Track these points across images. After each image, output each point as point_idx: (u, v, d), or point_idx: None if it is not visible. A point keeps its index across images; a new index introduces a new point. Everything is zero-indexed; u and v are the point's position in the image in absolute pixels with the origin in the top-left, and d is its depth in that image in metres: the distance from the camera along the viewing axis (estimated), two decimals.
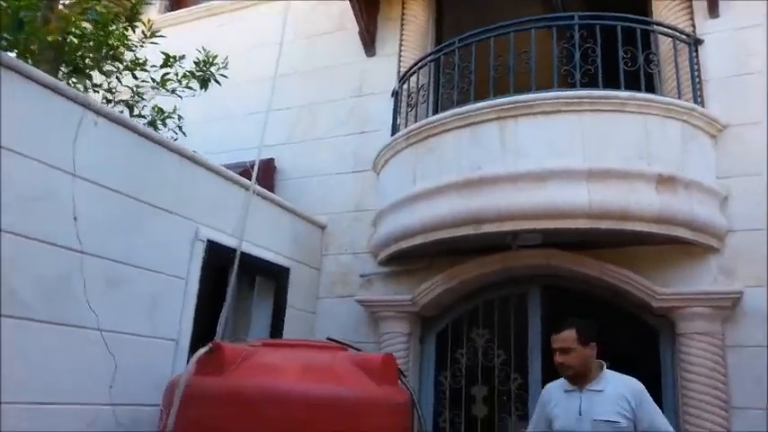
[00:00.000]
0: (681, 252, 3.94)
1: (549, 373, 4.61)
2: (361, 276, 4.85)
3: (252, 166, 4.32)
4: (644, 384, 4.32)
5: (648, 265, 3.99)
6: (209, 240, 3.74)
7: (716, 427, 3.56)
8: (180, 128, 4.77)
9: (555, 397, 2.99)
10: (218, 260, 3.82)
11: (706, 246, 3.85)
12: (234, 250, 3.87)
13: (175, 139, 4.49)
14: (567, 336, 2.92)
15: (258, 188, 4.31)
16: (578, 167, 3.78)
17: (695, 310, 3.73)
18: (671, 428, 2.79)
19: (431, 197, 4.20)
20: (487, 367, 4.56)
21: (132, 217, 3.30)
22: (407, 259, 4.64)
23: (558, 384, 3.03)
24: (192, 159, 3.77)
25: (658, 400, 4.07)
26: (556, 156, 3.87)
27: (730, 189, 3.95)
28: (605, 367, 2.94)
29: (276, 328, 4.39)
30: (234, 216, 4.02)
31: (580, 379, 2.90)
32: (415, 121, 4.62)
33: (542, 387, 4.24)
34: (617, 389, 2.82)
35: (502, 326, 4.57)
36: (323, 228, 5.12)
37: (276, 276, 4.53)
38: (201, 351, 2.63)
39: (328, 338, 3.18)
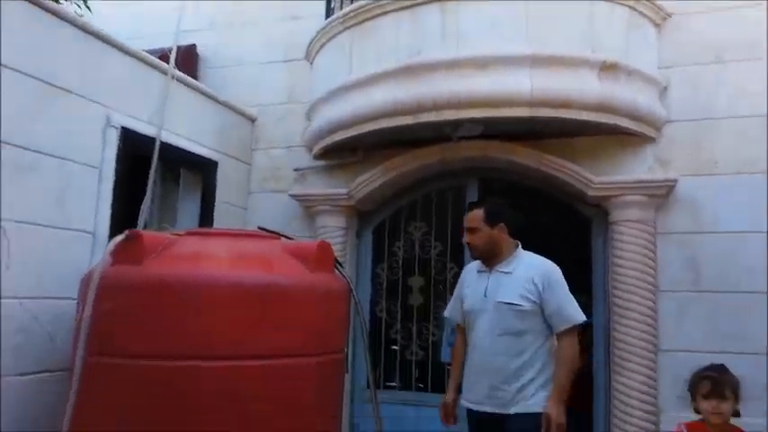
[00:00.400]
0: (618, 142, 3.92)
1: None
2: (295, 171, 4.64)
3: (170, 52, 3.94)
4: (575, 270, 4.48)
5: (586, 155, 3.96)
6: (123, 128, 3.41)
7: (644, 309, 3.67)
8: (85, 2, 4.25)
9: (468, 278, 2.93)
10: (135, 149, 3.51)
11: (644, 136, 3.83)
12: (153, 140, 3.58)
13: (81, 16, 4.00)
14: (475, 215, 2.82)
15: (178, 73, 3.95)
16: (522, 53, 3.61)
17: (629, 199, 3.75)
18: (580, 315, 2.68)
19: (367, 85, 3.96)
20: (424, 259, 4.55)
21: (35, 100, 2.93)
22: (343, 152, 4.44)
23: (474, 265, 2.96)
24: (99, 36, 3.35)
25: (588, 285, 4.21)
26: (499, 41, 3.67)
27: (670, 79, 3.90)
28: (520, 248, 2.83)
29: (205, 224, 4.17)
30: (152, 103, 3.69)
31: (491, 260, 2.81)
32: (351, 3, 4.28)
33: None
34: (527, 271, 2.71)
35: (439, 219, 4.52)
36: (252, 120, 4.81)
37: (203, 170, 4.26)
38: (117, 239, 2.40)
39: (259, 228, 3.00)
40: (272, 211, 4.62)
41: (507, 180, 4.37)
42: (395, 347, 4.60)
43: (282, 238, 2.93)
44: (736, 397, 2.50)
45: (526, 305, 2.63)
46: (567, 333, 2.67)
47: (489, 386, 2.64)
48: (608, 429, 3.78)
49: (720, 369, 2.59)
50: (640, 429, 3.57)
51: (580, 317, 2.67)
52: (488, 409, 2.66)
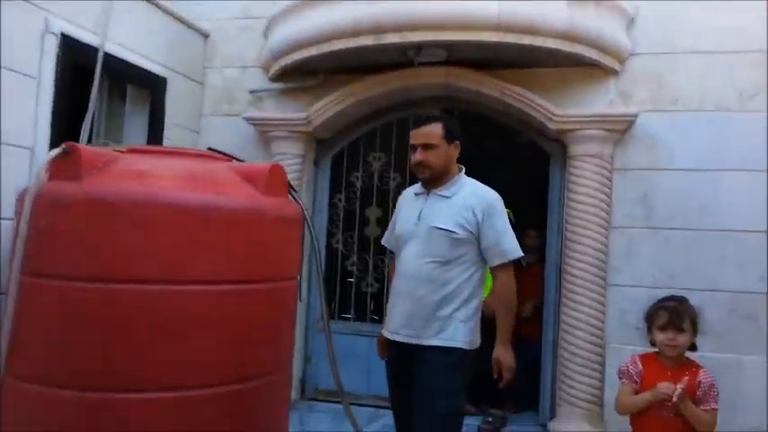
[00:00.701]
0: (581, 74, 3.85)
1: None
2: (251, 93, 4.44)
3: None
4: (533, 206, 4.52)
5: (549, 86, 3.89)
6: (63, 35, 3.15)
7: (595, 244, 3.72)
8: None
9: (405, 202, 2.64)
10: (77, 60, 3.27)
11: (607, 68, 3.77)
12: (97, 50, 3.33)
13: None
14: (433, 130, 2.45)
15: None
16: None
17: (589, 133, 3.72)
18: (518, 250, 2.43)
19: (328, 1, 3.75)
20: (383, 190, 4.49)
21: None
22: (302, 75, 4.26)
23: (412, 188, 2.67)
24: None
25: (543, 220, 4.24)
26: None
27: (639, 9, 3.81)
28: (463, 173, 2.55)
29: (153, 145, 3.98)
30: (96, 9, 3.41)
31: (434, 182, 2.50)
32: None
33: None
34: (467, 198, 2.43)
35: (399, 149, 4.42)
36: (205, 36, 4.54)
37: (151, 87, 4.03)
38: (53, 153, 2.24)
39: (209, 149, 2.86)
40: (226, 135, 4.43)
41: (470, 111, 4.28)
42: (350, 279, 4.58)
43: (234, 161, 2.80)
44: (695, 330, 2.32)
45: (460, 233, 2.37)
46: (504, 268, 2.43)
47: (408, 315, 2.40)
48: (555, 359, 3.90)
49: (680, 300, 2.42)
50: (586, 360, 3.68)
51: (518, 251, 2.44)
52: (402, 338, 2.41)
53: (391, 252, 3.94)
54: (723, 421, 3.54)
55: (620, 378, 2.43)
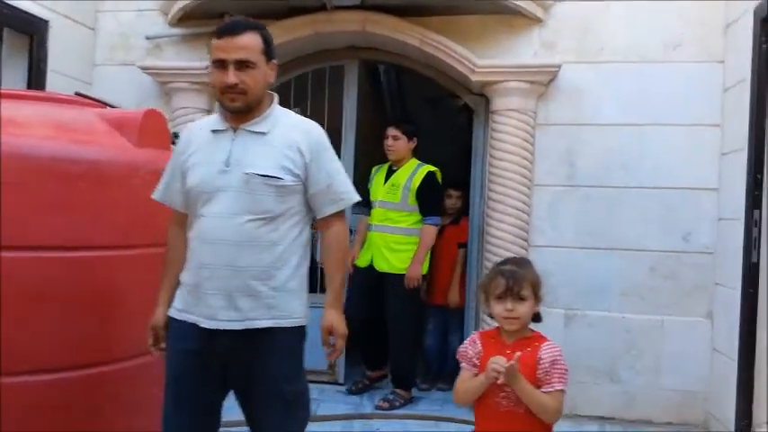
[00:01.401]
0: (505, 23, 3.63)
1: (366, 155, 4.39)
2: (148, 39, 4.00)
3: None
4: (458, 165, 4.31)
5: (471, 36, 3.65)
6: None
7: (518, 203, 3.55)
8: None
9: (197, 140, 1.97)
10: None
11: (531, 16, 3.55)
12: None
13: None
14: (251, 42, 1.85)
15: None
16: None
17: (512, 86, 3.51)
18: (354, 193, 2.02)
19: None
20: None
21: None
22: (205, 19, 3.85)
23: (205, 123, 2.02)
24: None
25: (467, 179, 4.05)
26: None
27: None
28: (276, 101, 2.00)
29: None
30: None
31: (245, 115, 1.90)
32: None
33: (355, 168, 4.05)
34: (288, 134, 1.92)
35: (315, 103, 4.13)
36: None
37: (30, 30, 3.55)
38: None
39: (77, 93, 2.48)
40: (122, 87, 3.98)
41: (390, 63, 4.01)
42: None
43: (107, 108, 2.43)
44: (537, 297, 1.87)
45: (288, 179, 1.88)
46: (338, 218, 2.01)
47: (227, 293, 1.84)
48: (477, 326, 3.74)
49: (519, 262, 1.99)
50: None
51: (355, 195, 2.02)
52: (226, 325, 1.84)
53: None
54: (647, 384, 3.54)
55: (460, 362, 1.91)
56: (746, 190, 2.97)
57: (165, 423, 1.90)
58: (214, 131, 1.93)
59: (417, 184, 3.71)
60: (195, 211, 1.90)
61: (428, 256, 3.78)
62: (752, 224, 2.92)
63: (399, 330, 3.75)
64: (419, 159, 3.88)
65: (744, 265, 2.95)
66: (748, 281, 2.91)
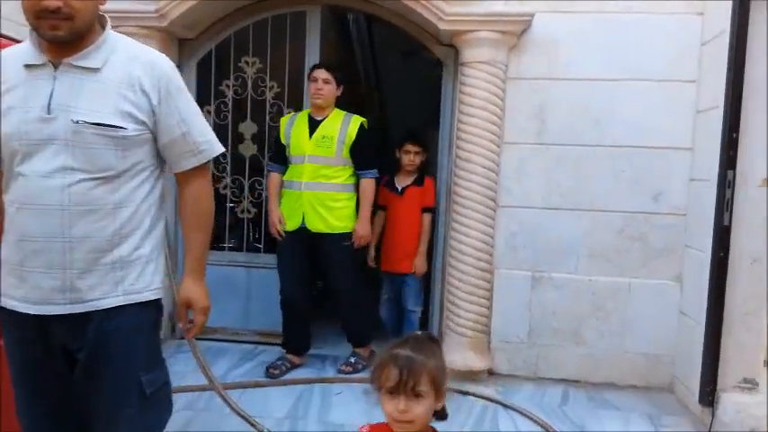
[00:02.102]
0: None
1: None
2: None
3: None
4: (424, 121, 4.10)
5: None
6: None
7: (486, 162, 3.39)
8: None
9: (9, 76, 1.53)
10: None
11: None
12: None
13: None
14: None
15: None
16: None
17: (482, 35, 3.30)
18: (218, 144, 1.70)
19: None
20: (258, 101, 3.95)
21: None
22: None
23: (17, 53, 1.56)
24: None
25: (435, 137, 3.87)
26: None
27: None
28: (110, 27, 1.60)
29: None
30: None
31: (66, 45, 1.49)
32: None
33: None
34: (127, 69, 1.54)
35: (276, 53, 3.89)
36: None
37: None
38: None
39: None
40: None
41: (356, 10, 3.76)
42: (230, 205, 4.08)
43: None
44: (439, 392, 1.40)
45: (130, 128, 1.53)
46: (199, 173, 1.69)
47: (59, 270, 1.51)
48: (443, 289, 3.62)
49: (419, 346, 1.42)
50: (474, 287, 3.42)
51: (218, 145, 1.71)
52: (62, 309, 1.52)
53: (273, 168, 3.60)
54: (613, 347, 3.47)
55: None
56: (721, 149, 2.84)
57: (22, 427, 1.61)
58: (28, 66, 1.51)
59: (353, 136, 3.36)
60: (11, 168, 1.52)
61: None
62: (725, 185, 2.80)
63: (347, 291, 3.47)
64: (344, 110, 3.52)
65: (715, 227, 2.85)
66: (718, 244, 2.81)
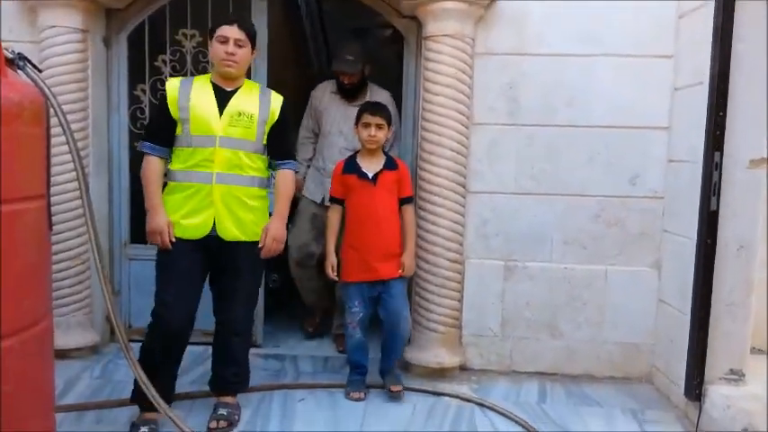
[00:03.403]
0: None
1: (281, 88, 3.80)
2: None
3: None
4: (393, 99, 3.66)
5: None
6: None
7: (454, 144, 3.13)
8: None
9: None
10: None
11: None
12: None
13: None
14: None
15: None
16: None
17: (448, 5, 3.02)
18: None
19: None
20: None
21: None
22: None
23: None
24: None
25: (400, 117, 3.58)
26: None
27: None
28: None
29: None
30: None
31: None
32: None
33: None
34: None
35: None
36: None
37: None
38: None
39: None
40: None
41: None
42: None
43: None
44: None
45: None
46: None
47: None
48: (412, 282, 3.34)
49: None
50: (444, 279, 3.18)
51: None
52: None
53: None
54: (588, 338, 3.31)
55: None
56: (707, 129, 2.67)
57: None
58: None
59: (276, 115, 2.62)
60: None
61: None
62: (711, 168, 2.64)
63: (243, 320, 2.69)
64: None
65: (701, 212, 2.69)
66: (706, 230, 2.65)
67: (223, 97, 2.54)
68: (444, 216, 3.15)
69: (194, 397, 2.86)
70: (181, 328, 2.47)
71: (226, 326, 2.65)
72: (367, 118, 2.93)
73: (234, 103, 2.54)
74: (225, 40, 2.50)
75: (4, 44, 1.88)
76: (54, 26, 3.17)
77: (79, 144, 2.36)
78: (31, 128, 1.87)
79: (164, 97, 2.56)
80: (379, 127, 2.92)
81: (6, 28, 3.23)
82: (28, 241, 1.87)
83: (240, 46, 2.51)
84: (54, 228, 3.05)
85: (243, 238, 2.56)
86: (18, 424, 1.84)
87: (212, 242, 2.51)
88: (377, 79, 3.62)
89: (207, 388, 2.76)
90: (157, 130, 2.56)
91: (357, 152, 3.05)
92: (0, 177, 1.73)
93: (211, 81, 2.58)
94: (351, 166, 2.97)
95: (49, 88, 2.01)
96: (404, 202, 3.00)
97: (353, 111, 3.14)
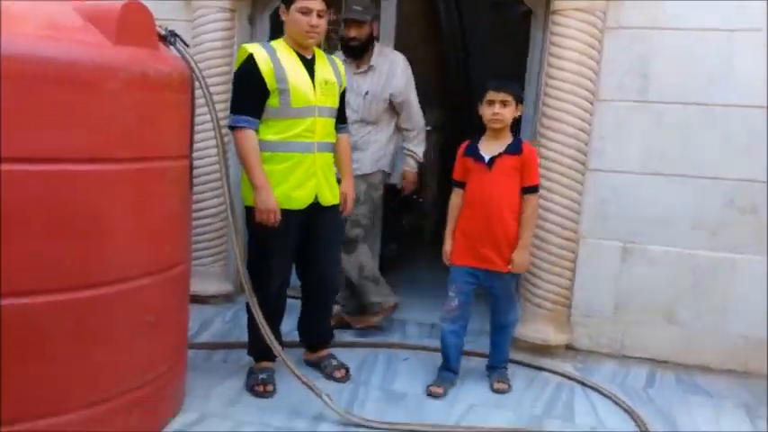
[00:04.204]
0: None
1: (418, 65, 3.92)
2: None
3: None
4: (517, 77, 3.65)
5: None
6: None
7: (577, 121, 3.07)
8: None
9: None
10: None
11: None
12: None
13: None
14: None
15: None
16: None
17: None
18: None
19: None
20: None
21: None
22: None
23: None
24: None
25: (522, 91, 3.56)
26: None
27: None
28: None
29: None
30: None
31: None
32: None
33: None
34: None
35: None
36: None
37: None
38: None
39: None
40: None
41: None
42: None
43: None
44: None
45: None
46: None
47: None
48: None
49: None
50: (556, 257, 3.16)
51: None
52: None
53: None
54: (709, 327, 3.15)
55: None
56: None
57: None
58: None
59: (344, 82, 2.73)
60: None
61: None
62: None
63: (336, 274, 2.89)
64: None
65: None
66: None
67: (308, 66, 2.55)
68: (560, 194, 3.12)
69: (292, 346, 2.98)
70: (283, 292, 2.69)
71: (323, 283, 2.80)
72: (491, 95, 2.66)
73: (319, 72, 2.58)
74: (308, 11, 2.46)
75: (159, 23, 2.18)
76: (205, 6, 3.53)
77: (220, 114, 2.59)
78: (177, 95, 2.15)
79: (254, 67, 2.44)
80: (504, 104, 2.65)
81: (162, 12, 3.63)
82: (172, 195, 2.17)
83: (321, 17, 2.50)
84: (198, 188, 3.47)
85: (335, 202, 2.67)
86: (154, 353, 2.17)
87: (310, 209, 2.59)
88: (512, 57, 3.58)
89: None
90: (251, 101, 2.48)
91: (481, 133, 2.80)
92: (147, 136, 2.02)
93: (292, 49, 2.55)
94: (471, 147, 2.76)
95: (194, 61, 2.30)
96: (527, 191, 2.70)
97: (359, 80, 3.20)
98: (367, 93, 3.24)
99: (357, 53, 3.22)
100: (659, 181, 3.11)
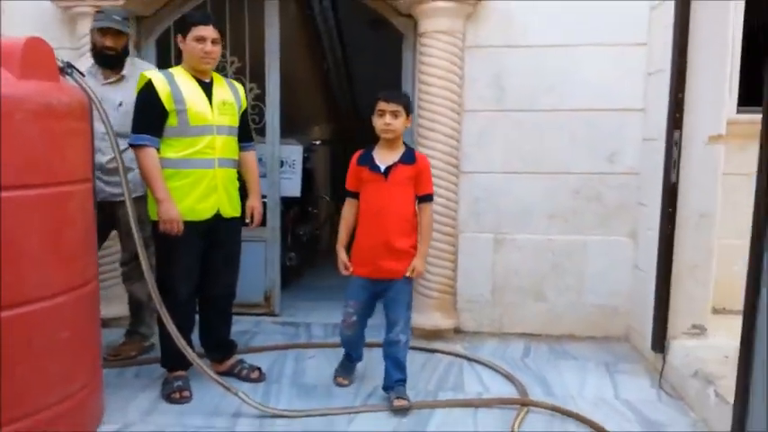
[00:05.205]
0: None
1: (287, 84, 4.20)
2: None
3: None
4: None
5: None
6: None
7: (447, 130, 3.49)
8: None
9: None
10: None
11: None
12: None
13: None
14: None
15: None
16: None
17: (439, 5, 3.37)
18: None
19: None
20: None
21: None
22: None
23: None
24: None
25: None
26: None
27: None
28: None
29: None
30: None
31: None
32: None
33: (281, 98, 3.88)
34: None
35: (235, 28, 3.89)
36: None
37: None
38: None
39: None
40: (25, 15, 3.67)
41: None
42: None
43: None
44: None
45: None
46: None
47: None
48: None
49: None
50: (440, 251, 3.55)
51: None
52: None
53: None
54: (570, 302, 3.65)
55: None
56: (668, 110, 2.98)
57: None
58: None
59: (245, 103, 2.96)
60: None
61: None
62: (672, 144, 2.95)
63: (230, 292, 3.02)
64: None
65: (664, 185, 3.01)
66: (667, 200, 2.97)
67: (205, 89, 2.75)
68: (439, 195, 3.49)
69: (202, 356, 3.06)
70: (192, 301, 2.86)
71: (223, 291, 2.95)
72: (381, 105, 2.70)
73: (216, 94, 2.76)
74: (203, 39, 2.66)
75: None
76: (88, 33, 3.58)
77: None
78: (79, 123, 2.29)
79: (152, 91, 2.63)
80: (394, 114, 2.68)
81: (53, 36, 3.66)
82: (79, 216, 2.30)
83: (215, 44, 2.71)
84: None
85: (235, 214, 2.86)
86: (72, 369, 2.26)
87: (213, 220, 2.76)
88: (391, 73, 3.93)
89: None
90: (152, 122, 2.65)
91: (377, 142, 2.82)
92: (52, 162, 2.14)
93: (190, 74, 2.74)
94: (365, 157, 2.78)
95: (91, 90, 2.43)
96: (422, 200, 2.77)
97: (109, 90, 3.06)
98: (121, 104, 3.04)
99: (113, 63, 3.10)
100: (519, 178, 3.59)
